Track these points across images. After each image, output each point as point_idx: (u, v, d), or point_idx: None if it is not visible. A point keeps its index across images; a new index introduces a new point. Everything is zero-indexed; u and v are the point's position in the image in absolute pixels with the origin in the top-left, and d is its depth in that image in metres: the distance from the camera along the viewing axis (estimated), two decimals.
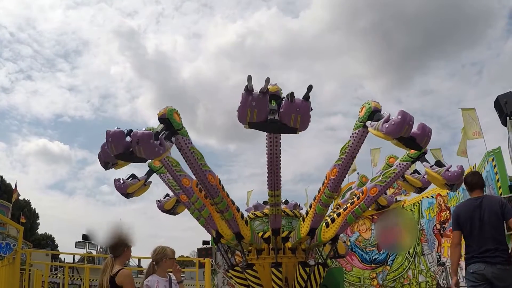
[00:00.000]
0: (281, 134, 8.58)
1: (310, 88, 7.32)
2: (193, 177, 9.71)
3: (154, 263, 4.75)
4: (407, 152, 10.64)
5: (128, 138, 7.35)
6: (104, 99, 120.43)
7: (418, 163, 10.92)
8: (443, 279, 21.32)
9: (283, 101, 7.27)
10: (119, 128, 7.50)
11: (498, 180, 15.02)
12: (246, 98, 7.21)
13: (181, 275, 4.98)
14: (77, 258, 32.86)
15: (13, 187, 34.15)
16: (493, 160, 15.42)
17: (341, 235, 18.04)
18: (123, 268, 4.09)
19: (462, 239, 5.26)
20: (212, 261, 10.47)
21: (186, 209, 12.12)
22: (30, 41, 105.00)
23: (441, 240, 21.18)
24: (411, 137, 7.65)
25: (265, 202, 13.30)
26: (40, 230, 50.61)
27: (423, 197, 23.18)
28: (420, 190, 12.32)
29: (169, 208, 12.35)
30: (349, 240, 25.58)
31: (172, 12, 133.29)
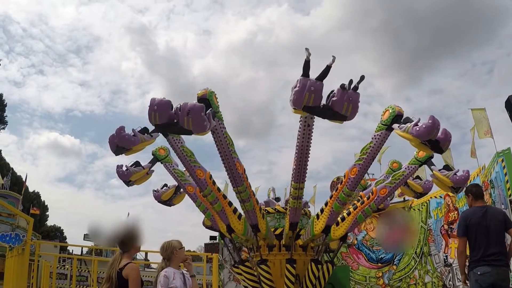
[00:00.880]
0: (307, 127, 8.86)
1: (362, 78, 7.90)
2: (206, 169, 9.91)
3: (166, 259, 4.79)
4: (415, 156, 11.08)
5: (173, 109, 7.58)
6: (114, 94, 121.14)
7: (427, 167, 11.30)
8: (450, 280, 21.24)
9: (335, 90, 7.68)
10: (165, 98, 7.74)
11: (507, 181, 14.94)
12: (305, 82, 7.60)
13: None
14: (85, 250, 33.16)
15: (24, 180, 34.50)
16: (502, 161, 15.33)
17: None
18: (131, 261, 4.13)
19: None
20: (219, 256, 10.55)
21: (182, 203, 12.11)
22: (42, 36, 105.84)
23: (448, 241, 21.10)
24: (436, 140, 8.28)
25: (276, 199, 13.37)
26: (49, 222, 51.08)
27: (431, 197, 23.07)
28: (419, 195, 12.74)
29: (166, 199, 12.13)
30: (356, 239, 25.57)
31: (183, 9, 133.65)
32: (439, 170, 10.72)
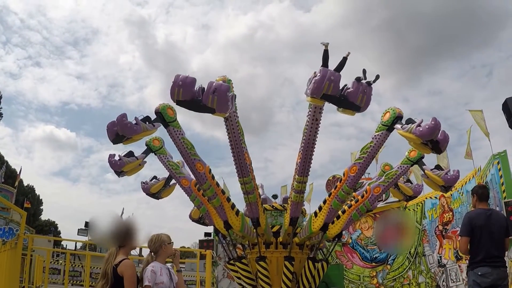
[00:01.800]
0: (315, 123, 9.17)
1: (377, 77, 8.45)
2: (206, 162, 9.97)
3: (152, 253, 4.73)
4: (407, 156, 11.37)
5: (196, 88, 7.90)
6: (112, 88, 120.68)
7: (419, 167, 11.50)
8: (443, 281, 21.29)
9: (352, 82, 8.14)
10: (190, 76, 7.95)
11: (502, 184, 14.96)
12: (325, 72, 7.94)
13: (181, 266, 4.97)
14: (79, 245, 33.06)
15: (18, 173, 34.36)
16: (498, 163, 15.35)
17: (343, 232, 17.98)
18: (126, 258, 4.09)
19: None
20: (213, 253, 10.54)
21: (176, 198, 12.01)
22: (39, 28, 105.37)
23: (442, 242, 21.15)
24: (436, 141, 8.84)
25: (274, 196, 13.37)
26: (43, 216, 50.88)
27: (426, 198, 23.14)
28: (409, 198, 13.16)
29: (155, 191, 11.98)
30: (351, 238, 25.61)
31: (182, 2, 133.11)
32: (431, 169, 11.06)
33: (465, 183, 19.32)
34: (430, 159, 11.46)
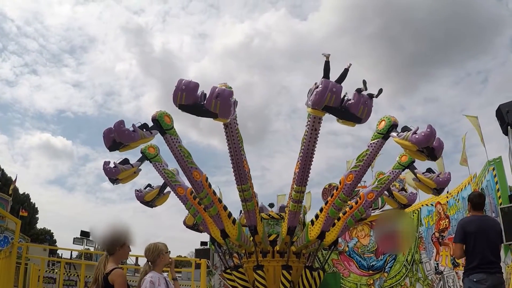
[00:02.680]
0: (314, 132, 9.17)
1: (380, 91, 8.56)
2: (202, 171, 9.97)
3: (150, 262, 4.70)
4: (398, 161, 11.45)
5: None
6: (108, 96, 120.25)
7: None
8: None
9: (353, 93, 8.26)
10: (193, 80, 8.02)
11: (498, 190, 14.97)
12: (327, 83, 7.99)
13: (177, 275, 4.95)
14: (75, 254, 32.89)
15: (13, 180, 34.17)
16: (493, 169, 15.38)
17: (339, 240, 17.99)
18: (117, 267, 4.06)
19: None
20: (208, 262, 10.49)
21: (172, 207, 11.98)
22: (36, 35, 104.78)
23: (439, 249, 21.13)
24: (432, 148, 8.98)
25: (270, 205, 13.34)
26: (39, 225, 50.55)
27: (422, 205, 23.15)
28: (404, 206, 13.19)
29: (149, 199, 11.99)
30: (348, 246, 25.58)
31: (178, 11, 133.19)
32: (423, 173, 11.17)
33: (461, 189, 19.34)
34: (427, 166, 11.52)
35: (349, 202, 11.27)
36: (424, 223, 22.82)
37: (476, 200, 5.42)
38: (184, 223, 13.14)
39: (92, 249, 30.81)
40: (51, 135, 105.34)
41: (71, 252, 32.10)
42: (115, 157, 10.81)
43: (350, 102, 8.04)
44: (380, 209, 24.65)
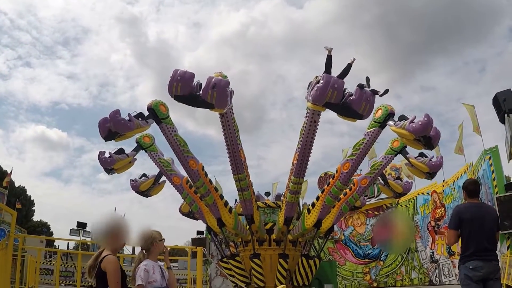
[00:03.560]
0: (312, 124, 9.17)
1: (386, 91, 8.54)
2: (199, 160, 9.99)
3: (144, 250, 4.67)
4: (390, 146, 11.55)
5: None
6: (102, 87, 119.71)
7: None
8: (436, 276, 21.40)
9: (355, 89, 8.17)
10: (189, 71, 7.98)
11: (494, 179, 15.02)
12: (328, 79, 7.96)
13: (174, 264, 4.92)
14: (71, 245, 32.89)
15: (9, 173, 34.02)
16: (490, 158, 15.41)
17: (335, 229, 17.97)
18: (110, 254, 4.04)
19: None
20: (204, 250, 10.48)
21: (169, 197, 11.94)
22: (29, 28, 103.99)
23: (435, 237, 21.25)
24: (429, 137, 9.09)
25: (266, 193, 13.35)
26: (36, 217, 50.43)
27: (418, 194, 23.27)
28: (399, 195, 13.28)
29: (144, 189, 12.00)
30: (343, 234, 25.67)
31: (173, 0, 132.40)
32: (415, 157, 11.25)
33: (457, 178, 19.43)
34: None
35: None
36: (420, 211, 22.91)
37: (471, 188, 5.40)
38: (180, 210, 13.16)
39: (88, 239, 30.76)
40: (46, 127, 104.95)
41: (68, 243, 32.18)
42: (111, 148, 10.78)
43: (352, 98, 7.99)
44: (376, 197, 24.73)
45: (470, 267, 4.94)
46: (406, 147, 11.21)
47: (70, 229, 32.02)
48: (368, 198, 23.32)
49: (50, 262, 23.14)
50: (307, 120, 9.04)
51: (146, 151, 11.16)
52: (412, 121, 8.90)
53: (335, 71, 8.28)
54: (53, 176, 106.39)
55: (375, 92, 8.21)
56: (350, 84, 8.36)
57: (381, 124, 9.89)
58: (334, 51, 8.50)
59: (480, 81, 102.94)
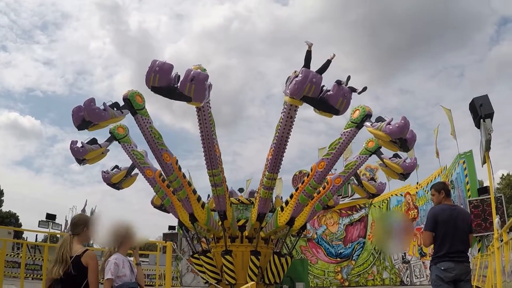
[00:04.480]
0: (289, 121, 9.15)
1: (364, 89, 8.57)
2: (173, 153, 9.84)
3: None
4: (365, 146, 11.62)
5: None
6: (79, 75, 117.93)
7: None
8: (407, 277, 21.63)
9: (332, 85, 8.19)
10: (167, 62, 7.79)
11: (467, 183, 15.19)
12: (307, 73, 7.95)
13: (145, 259, 4.78)
14: (40, 237, 32.24)
15: None
16: (464, 162, 15.59)
17: (308, 227, 17.94)
18: (88, 249, 3.92)
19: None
20: (174, 245, 10.33)
21: (141, 190, 11.78)
22: (7, 10, 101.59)
23: None
24: (405, 140, 9.17)
25: (240, 190, 13.24)
26: (4, 208, 49.42)
27: (392, 195, 23.50)
28: (372, 195, 13.40)
29: (116, 182, 11.79)
30: (316, 233, 25.75)
31: None
32: (390, 158, 11.39)
33: (431, 181, 19.64)
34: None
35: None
36: None
37: (448, 188, 5.46)
38: (152, 203, 12.99)
39: (58, 232, 30.22)
40: (19, 114, 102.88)
41: (36, 235, 31.52)
42: (84, 138, 10.55)
43: (329, 93, 7.99)
44: (349, 197, 24.88)
45: (442, 268, 4.96)
46: (380, 147, 11.28)
47: (39, 221, 31.40)
48: (341, 198, 23.45)
49: (18, 254, 22.64)
50: (283, 115, 9.00)
51: (119, 142, 10.94)
52: (389, 123, 9.03)
53: (316, 68, 8.24)
54: (24, 165, 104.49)
55: (353, 90, 8.25)
56: (331, 83, 8.34)
57: (358, 124, 9.97)
58: (317, 48, 8.47)
59: (458, 86, 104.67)
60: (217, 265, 11.14)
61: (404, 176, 11.37)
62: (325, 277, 24.96)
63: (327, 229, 25.78)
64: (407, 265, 21.41)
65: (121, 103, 9.54)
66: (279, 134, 9.22)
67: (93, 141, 10.41)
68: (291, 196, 10.70)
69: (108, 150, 10.82)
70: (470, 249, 12.44)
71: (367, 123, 9.69)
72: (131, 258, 4.60)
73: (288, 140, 9.40)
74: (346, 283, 24.33)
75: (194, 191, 10.48)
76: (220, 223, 10.92)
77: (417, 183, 21.29)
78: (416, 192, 21.30)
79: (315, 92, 7.91)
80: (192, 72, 7.75)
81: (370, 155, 11.61)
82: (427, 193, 19.41)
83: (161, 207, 12.74)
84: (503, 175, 40.33)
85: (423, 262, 19.84)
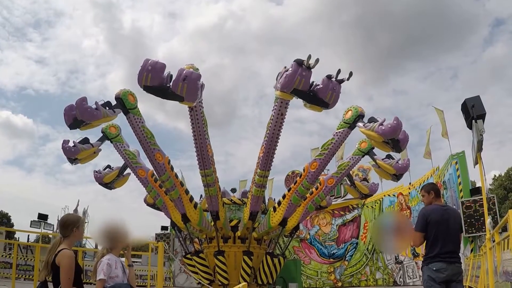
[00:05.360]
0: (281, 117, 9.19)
1: (350, 74, 8.40)
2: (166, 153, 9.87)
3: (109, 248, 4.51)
4: (358, 147, 11.69)
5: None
6: (72, 74, 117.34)
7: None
8: (400, 277, 21.69)
9: (322, 79, 8.17)
10: (160, 61, 7.74)
11: (460, 183, 15.24)
12: (297, 68, 7.95)
13: (138, 260, 4.76)
14: (32, 238, 32.01)
15: None
16: (456, 163, 15.64)
17: (301, 227, 17.92)
18: (66, 248, 3.83)
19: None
20: (166, 246, 10.30)
21: (134, 190, 11.74)
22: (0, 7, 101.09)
23: None
24: (397, 140, 9.21)
25: (232, 190, 13.22)
26: None
27: (384, 195, 23.56)
28: (364, 196, 13.42)
29: (108, 181, 11.74)
30: (309, 234, 25.76)
31: None
32: (382, 159, 11.43)
33: (423, 181, 19.69)
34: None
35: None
36: None
37: (437, 188, 5.50)
38: (145, 201, 12.97)
39: (50, 232, 30.05)
40: (11, 113, 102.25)
41: (28, 235, 31.30)
42: (76, 137, 10.49)
43: (318, 87, 8.03)
44: (342, 198, 24.92)
45: (434, 268, 4.98)
46: (373, 148, 11.32)
47: (31, 221, 31.19)
48: (334, 198, 23.46)
49: (10, 255, 22.50)
50: (274, 112, 9.03)
51: (111, 142, 10.91)
52: (381, 124, 9.04)
53: (315, 69, 8.28)
54: (15, 164, 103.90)
55: (340, 81, 8.24)
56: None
57: (351, 125, 10.01)
58: (310, 49, 8.49)
59: (451, 88, 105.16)
60: (209, 265, 11.12)
61: (397, 177, 11.39)
62: (318, 277, 24.97)
63: (320, 230, 25.79)
64: (400, 265, 21.48)
65: (114, 102, 9.48)
66: (270, 131, 9.26)
67: (85, 141, 10.36)
68: (284, 197, 10.71)
69: (100, 150, 10.77)
70: (463, 249, 12.50)
71: (360, 124, 9.72)
72: (123, 259, 4.58)
73: (279, 137, 9.42)
74: (339, 284, 24.35)
75: (187, 191, 10.47)
76: (212, 223, 10.90)
77: (410, 183, 21.38)
78: (409, 193, 21.38)
79: (305, 85, 7.97)
80: (184, 72, 7.73)
81: (363, 156, 11.67)
82: (420, 193, 19.51)
83: (154, 206, 12.73)
84: (495, 176, 40.65)
85: (416, 263, 19.90)
